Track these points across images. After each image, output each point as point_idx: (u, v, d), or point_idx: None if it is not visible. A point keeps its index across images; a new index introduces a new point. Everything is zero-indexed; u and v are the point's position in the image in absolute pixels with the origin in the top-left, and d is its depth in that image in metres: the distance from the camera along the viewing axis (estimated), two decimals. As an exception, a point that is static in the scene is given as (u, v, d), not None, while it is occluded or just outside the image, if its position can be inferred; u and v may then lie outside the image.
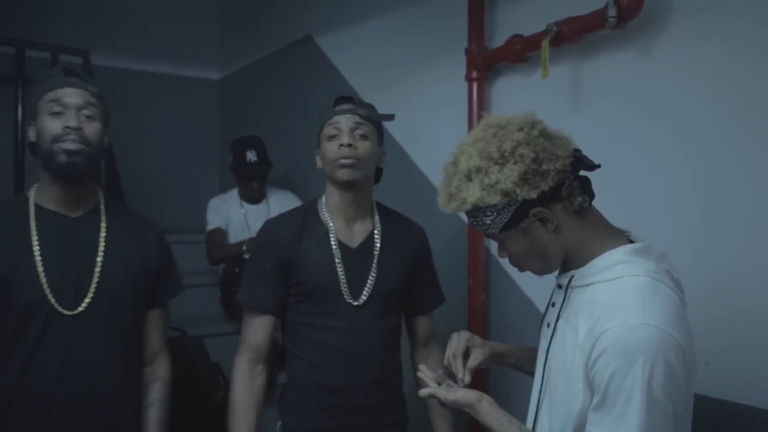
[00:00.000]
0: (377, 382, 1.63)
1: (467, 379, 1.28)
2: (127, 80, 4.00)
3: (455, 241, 2.24)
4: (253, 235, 3.02)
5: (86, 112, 1.50)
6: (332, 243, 1.62)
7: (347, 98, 1.67)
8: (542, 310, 1.29)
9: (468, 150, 1.11)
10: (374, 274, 1.63)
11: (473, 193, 1.07)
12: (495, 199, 1.06)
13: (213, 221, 3.18)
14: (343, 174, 1.58)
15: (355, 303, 1.60)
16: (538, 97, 1.93)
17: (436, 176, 1.20)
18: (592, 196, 1.12)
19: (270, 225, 1.70)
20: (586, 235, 1.11)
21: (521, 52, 1.94)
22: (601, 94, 1.79)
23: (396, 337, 1.71)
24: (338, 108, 1.64)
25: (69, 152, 1.46)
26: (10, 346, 1.47)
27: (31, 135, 1.53)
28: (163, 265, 1.66)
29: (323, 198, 1.69)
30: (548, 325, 1.19)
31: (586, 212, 1.12)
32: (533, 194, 1.06)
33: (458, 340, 1.33)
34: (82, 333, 1.49)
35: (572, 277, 1.13)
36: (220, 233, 3.17)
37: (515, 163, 1.06)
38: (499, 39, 2.07)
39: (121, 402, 1.56)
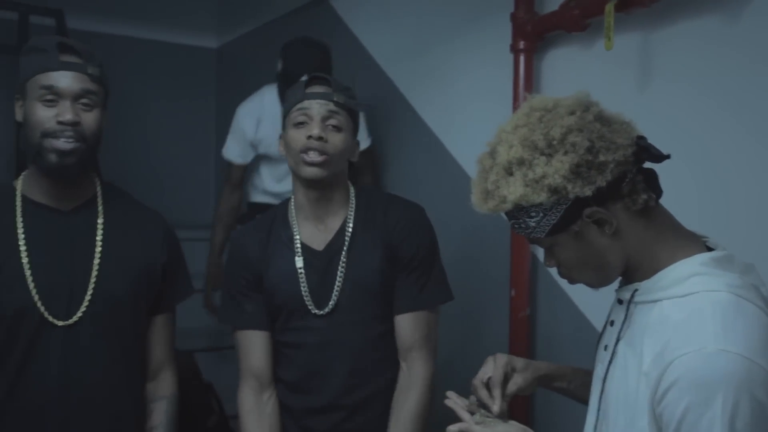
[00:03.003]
0: (360, 402, 1.68)
1: (497, 408, 1.26)
2: (108, 47, 3.99)
3: (496, 245, 2.24)
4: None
5: (84, 100, 1.52)
6: (296, 248, 1.68)
7: (322, 79, 1.69)
8: (599, 328, 1.29)
9: (508, 138, 1.10)
10: (341, 278, 1.66)
11: (515, 190, 1.07)
12: (541, 197, 1.06)
13: (232, 150, 2.88)
14: (309, 172, 1.62)
15: (320, 313, 1.66)
16: (600, 74, 1.93)
17: (474, 166, 1.21)
18: (659, 192, 1.12)
19: (237, 235, 1.78)
20: (652, 241, 1.11)
21: (579, 18, 1.93)
22: (677, 71, 1.77)
23: (384, 349, 1.71)
24: (310, 90, 1.66)
25: (61, 153, 1.49)
26: (2, 356, 1.52)
27: (18, 114, 1.56)
28: (171, 264, 1.72)
29: (293, 197, 1.74)
30: (606, 347, 1.19)
31: (652, 212, 1.11)
32: (587, 191, 1.05)
33: (495, 366, 1.32)
34: (77, 346, 1.55)
35: (636, 290, 1.13)
36: (239, 173, 2.94)
37: (566, 153, 1.06)
38: (552, 2, 2.07)
39: (123, 423, 1.63)
